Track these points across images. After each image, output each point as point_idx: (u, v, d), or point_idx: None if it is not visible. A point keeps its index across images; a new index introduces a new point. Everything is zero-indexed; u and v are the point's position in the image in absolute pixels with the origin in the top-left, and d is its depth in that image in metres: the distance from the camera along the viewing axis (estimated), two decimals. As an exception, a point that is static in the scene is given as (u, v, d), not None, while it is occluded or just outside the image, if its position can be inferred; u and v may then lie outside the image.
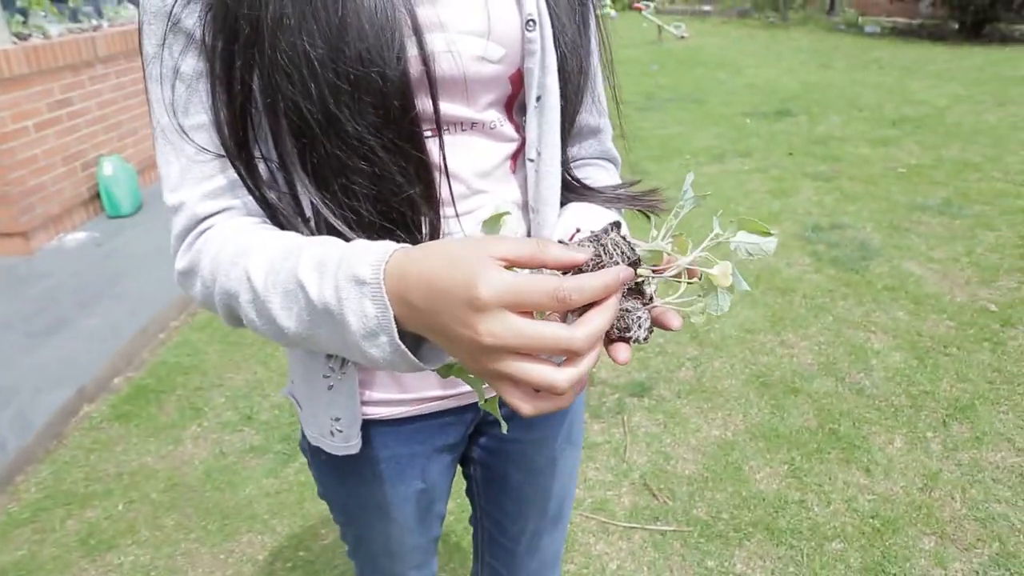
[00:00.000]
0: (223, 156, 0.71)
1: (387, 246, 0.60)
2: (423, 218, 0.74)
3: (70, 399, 2.78)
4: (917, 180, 5.17)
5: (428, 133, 0.73)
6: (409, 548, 1.08)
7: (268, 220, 0.75)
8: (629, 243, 0.58)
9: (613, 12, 13.70)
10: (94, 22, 4.67)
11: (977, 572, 2.00)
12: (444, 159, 0.76)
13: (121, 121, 4.78)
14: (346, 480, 1.00)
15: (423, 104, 0.71)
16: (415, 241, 0.73)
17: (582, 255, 0.55)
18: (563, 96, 0.82)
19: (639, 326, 0.58)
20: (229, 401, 2.87)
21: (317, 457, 0.98)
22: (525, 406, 0.55)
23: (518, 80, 0.80)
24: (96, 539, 2.23)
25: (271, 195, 0.73)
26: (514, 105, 0.84)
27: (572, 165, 0.92)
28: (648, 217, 0.83)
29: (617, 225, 0.60)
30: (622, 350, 0.59)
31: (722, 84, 8.91)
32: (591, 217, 0.83)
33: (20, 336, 3.19)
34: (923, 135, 6.34)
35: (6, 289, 3.66)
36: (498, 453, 1.08)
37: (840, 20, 14.69)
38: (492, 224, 0.65)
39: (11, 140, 3.88)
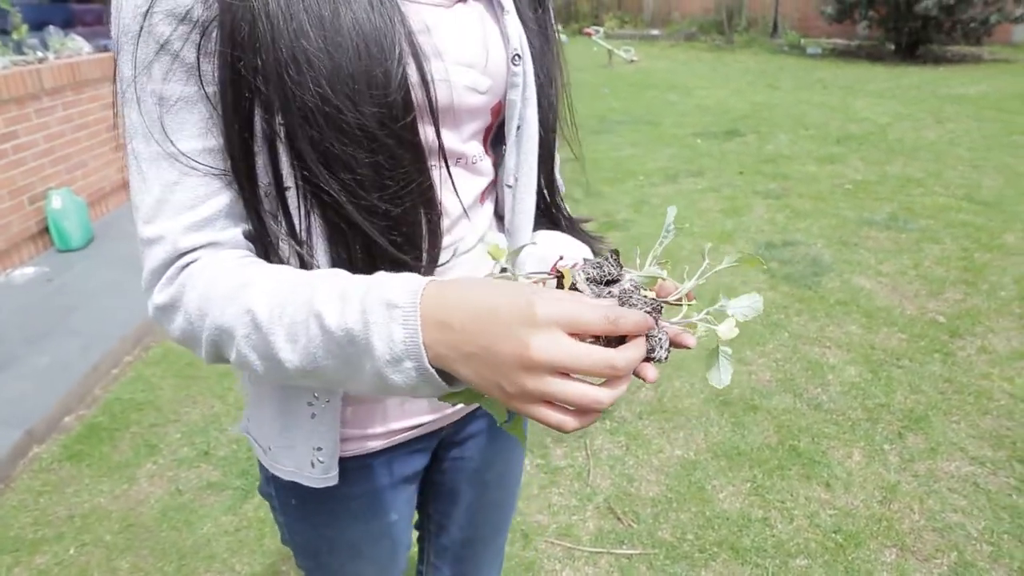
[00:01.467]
0: (209, 180, 0.69)
1: (420, 277, 0.62)
2: (424, 228, 0.75)
3: (18, 441, 2.68)
4: (863, 196, 5.31)
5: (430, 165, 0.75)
6: None
7: (254, 253, 0.73)
8: (644, 295, 0.64)
9: (564, 37, 13.80)
10: (39, 54, 4.56)
11: (937, 582, 2.04)
12: (455, 188, 0.79)
13: (70, 154, 4.67)
14: (317, 522, 0.97)
15: (424, 132, 0.72)
16: (417, 257, 0.75)
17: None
18: (542, 126, 0.87)
19: (660, 347, 0.63)
20: (185, 437, 2.80)
21: (286, 502, 0.96)
22: (570, 421, 0.58)
23: (495, 111, 0.84)
24: (48, 586, 2.15)
25: (269, 221, 0.71)
26: (489, 137, 0.86)
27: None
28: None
29: (616, 253, 0.67)
30: (650, 369, 0.63)
31: (673, 106, 9.06)
32: (569, 246, 0.89)
33: (-36, 377, 3.08)
34: (867, 152, 6.52)
35: (-51, 328, 3.53)
36: (451, 471, 1.09)
37: (783, 42, 15.07)
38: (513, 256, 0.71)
39: (-47, 175, 3.77)
